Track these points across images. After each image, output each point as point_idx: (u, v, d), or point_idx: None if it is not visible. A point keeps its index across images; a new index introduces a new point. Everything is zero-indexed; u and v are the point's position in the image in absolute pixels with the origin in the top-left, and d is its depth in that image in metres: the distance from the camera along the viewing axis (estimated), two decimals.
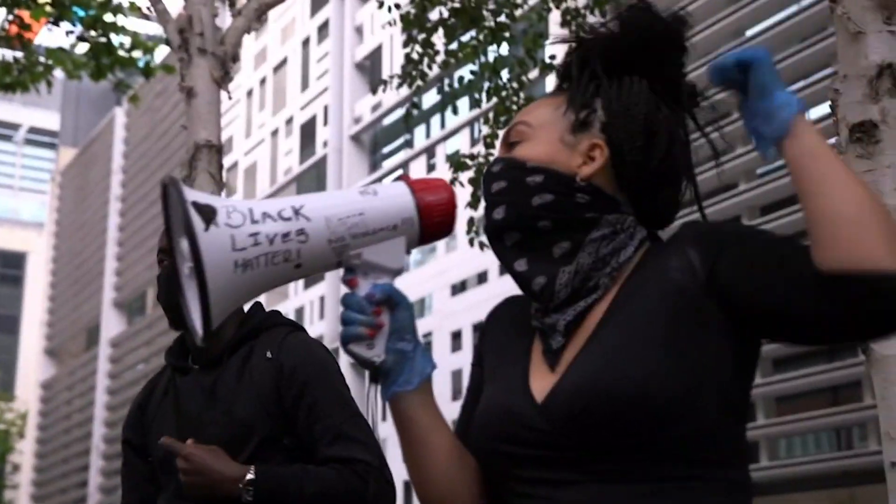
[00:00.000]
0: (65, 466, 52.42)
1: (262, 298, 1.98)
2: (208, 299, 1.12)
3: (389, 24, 7.91)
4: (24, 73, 7.96)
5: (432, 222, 1.26)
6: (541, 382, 1.25)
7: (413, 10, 7.72)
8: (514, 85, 7.76)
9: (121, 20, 7.80)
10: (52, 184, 61.99)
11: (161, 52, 9.72)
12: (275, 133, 40.63)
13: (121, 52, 7.78)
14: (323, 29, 38.47)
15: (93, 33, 7.70)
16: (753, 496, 1.24)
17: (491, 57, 7.72)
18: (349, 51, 37.10)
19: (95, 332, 52.85)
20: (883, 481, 2.83)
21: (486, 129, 8.01)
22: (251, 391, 2.16)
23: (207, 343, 1.54)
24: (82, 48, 7.94)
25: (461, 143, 29.96)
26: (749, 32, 21.74)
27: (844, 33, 3.01)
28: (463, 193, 6.54)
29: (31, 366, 59.18)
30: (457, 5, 7.55)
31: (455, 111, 8.20)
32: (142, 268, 47.06)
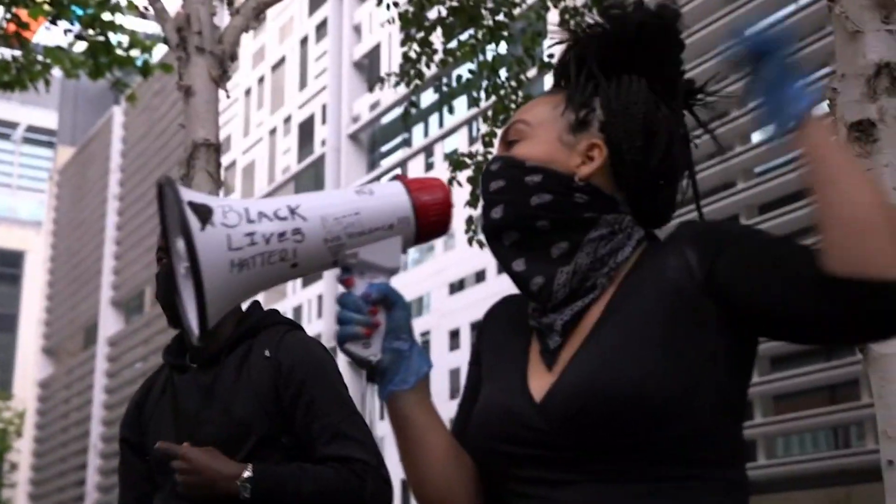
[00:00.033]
0: (62, 465, 52.40)
1: (260, 297, 1.98)
2: (204, 299, 1.12)
3: (389, 21, 7.91)
4: (22, 71, 7.95)
5: (428, 222, 1.26)
6: (538, 382, 1.25)
7: (411, 9, 7.72)
8: (513, 83, 7.76)
9: (119, 19, 7.79)
10: (50, 182, 61.95)
11: (159, 51, 9.70)
12: (273, 132, 40.62)
13: (119, 51, 7.77)
14: (321, 28, 38.45)
15: (91, 32, 7.69)
16: (751, 495, 1.24)
17: (489, 56, 7.72)
18: (347, 50, 37.09)
19: (93, 330, 52.82)
20: (880, 480, 2.84)
21: (484, 128, 8.01)
22: (249, 390, 2.16)
23: (204, 342, 1.54)
24: (80, 47, 7.93)
25: (459, 141, 29.96)
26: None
27: (842, 32, 3.01)
28: (461, 192, 6.55)
29: (29, 364, 59.15)
30: (455, 4, 7.55)
31: (451, 110, 8.20)
32: (139, 267, 47.04)
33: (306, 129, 38.58)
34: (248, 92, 42.22)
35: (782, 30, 1.18)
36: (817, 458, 19.51)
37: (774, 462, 19.98)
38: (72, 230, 56.57)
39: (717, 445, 1.20)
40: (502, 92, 7.72)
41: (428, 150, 33.30)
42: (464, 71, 8.01)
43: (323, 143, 37.21)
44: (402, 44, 8.03)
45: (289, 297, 35.98)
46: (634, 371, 1.16)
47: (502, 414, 1.25)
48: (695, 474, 1.18)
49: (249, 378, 2.17)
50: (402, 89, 8.29)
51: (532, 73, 7.92)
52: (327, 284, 33.56)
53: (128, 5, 7.66)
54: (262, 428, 2.14)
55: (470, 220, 7.87)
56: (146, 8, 5.60)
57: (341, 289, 1.25)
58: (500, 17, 7.62)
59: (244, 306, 2.31)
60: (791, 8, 21.05)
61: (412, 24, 7.77)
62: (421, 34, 7.78)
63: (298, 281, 34.47)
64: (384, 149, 36.59)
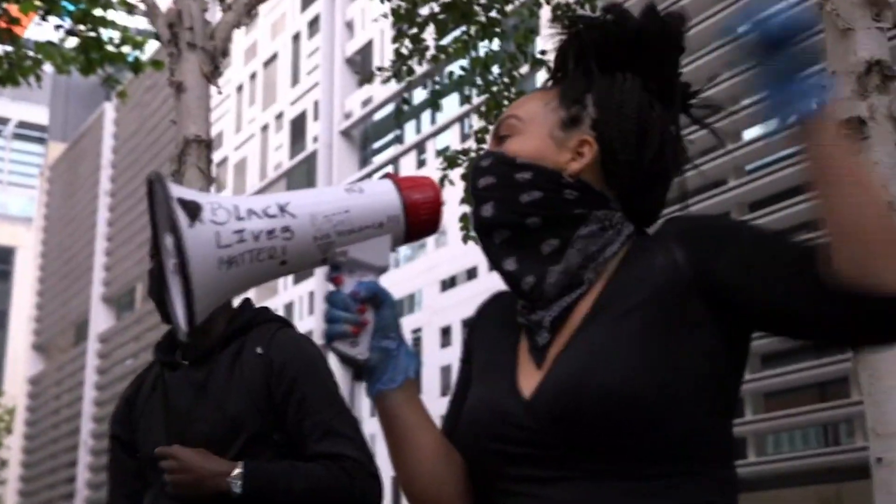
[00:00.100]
0: (53, 462, 52.27)
1: (251, 293, 1.98)
2: (192, 295, 1.12)
3: (383, 16, 7.90)
4: (13, 67, 7.92)
5: (418, 220, 1.26)
6: (528, 380, 1.25)
7: (404, 5, 7.71)
8: (505, 80, 7.76)
9: (110, 15, 7.77)
10: (40, 178, 61.74)
11: (151, 47, 9.67)
12: (265, 128, 40.55)
13: (110, 47, 7.75)
14: (313, 24, 38.40)
15: (82, 28, 7.66)
16: (740, 492, 1.24)
17: (482, 52, 7.72)
18: (339, 46, 37.04)
19: (84, 327, 52.69)
20: (869, 477, 2.85)
21: (477, 124, 8.01)
22: (242, 387, 2.16)
23: (192, 338, 1.54)
24: (71, 43, 7.90)
25: (451, 138, 29.95)
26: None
27: (833, 30, 3.02)
28: (454, 190, 6.54)
29: (19, 361, 58.98)
30: (448, 0, 7.54)
31: (439, 108, 8.19)
32: (131, 263, 46.94)
33: (298, 126, 38.53)
34: (239, 88, 42.14)
35: (800, 16, 1.10)
36: (807, 455, 19.56)
37: (764, 459, 20.03)
38: (63, 226, 56.40)
39: (708, 443, 1.20)
40: (495, 89, 7.72)
41: (420, 147, 33.28)
42: (456, 68, 8.01)
43: (315, 139, 37.17)
44: (395, 40, 8.03)
45: (280, 294, 35.94)
46: (622, 369, 1.16)
47: (492, 412, 1.25)
48: (685, 472, 1.18)
49: (242, 375, 2.17)
50: (395, 86, 8.28)
51: (524, 69, 7.92)
52: (319, 282, 33.51)
53: (119, 1, 7.64)
54: (254, 425, 2.14)
55: (464, 218, 7.87)
56: (136, 3, 5.59)
57: (331, 286, 1.25)
58: (493, 14, 7.62)
59: (235, 303, 2.31)
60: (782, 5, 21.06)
61: (405, 20, 7.76)
62: (413, 30, 7.77)
63: (290, 278, 34.45)
64: (376, 145, 36.56)
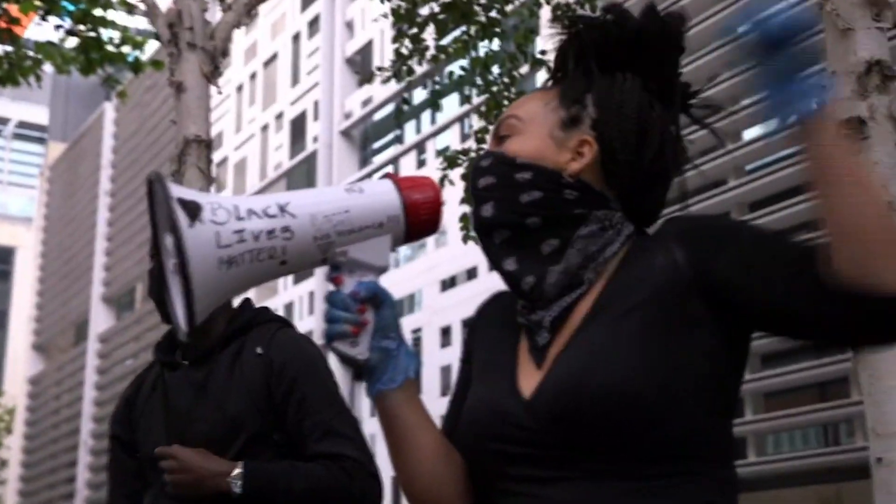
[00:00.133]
0: (53, 462, 52.26)
1: (251, 293, 1.98)
2: (192, 295, 1.12)
3: (383, 16, 7.90)
4: (13, 67, 7.92)
5: (418, 220, 1.26)
6: (528, 380, 1.25)
7: (404, 5, 7.71)
8: (505, 80, 7.76)
9: (110, 15, 7.77)
10: (41, 178, 61.73)
11: (151, 47, 9.68)
12: (265, 128, 40.55)
13: (110, 47, 7.75)
14: (313, 24, 38.40)
15: (82, 28, 7.66)
16: (740, 492, 1.24)
17: (482, 52, 7.72)
18: (339, 46, 37.04)
19: (84, 327, 52.68)
20: (869, 477, 2.85)
21: (477, 124, 8.00)
22: (242, 387, 2.16)
23: (192, 338, 1.54)
24: (71, 43, 7.91)
25: (451, 138, 29.94)
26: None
27: (833, 30, 3.02)
28: (454, 190, 6.54)
29: (19, 361, 58.98)
30: (448, 0, 7.54)
31: (439, 108, 8.19)
32: (131, 263, 46.93)
33: (298, 126, 38.53)
34: (239, 88, 42.14)
35: (800, 16, 1.10)
36: (807, 455, 19.56)
37: (764, 459, 20.03)
38: (63, 226, 56.40)
39: (708, 443, 1.20)
40: (495, 89, 7.72)
41: (420, 147, 33.28)
42: (456, 68, 8.01)
43: (315, 139, 37.16)
44: (395, 40, 8.03)
45: (280, 294, 35.94)
46: (622, 369, 1.16)
47: (492, 412, 1.25)
48: (685, 472, 1.18)
49: (242, 375, 2.17)
50: (395, 86, 8.28)
51: (524, 69, 7.92)
52: (319, 282, 33.50)
53: (119, 1, 7.64)
54: (254, 425, 2.14)
55: (464, 218, 7.87)
56: (137, 3, 5.59)
57: (331, 286, 1.25)
58: (493, 14, 7.62)
59: (235, 303, 2.31)
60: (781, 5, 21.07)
61: (405, 20, 7.76)
62: (413, 30, 7.78)
63: (290, 278, 34.45)
64: (376, 145, 36.56)
